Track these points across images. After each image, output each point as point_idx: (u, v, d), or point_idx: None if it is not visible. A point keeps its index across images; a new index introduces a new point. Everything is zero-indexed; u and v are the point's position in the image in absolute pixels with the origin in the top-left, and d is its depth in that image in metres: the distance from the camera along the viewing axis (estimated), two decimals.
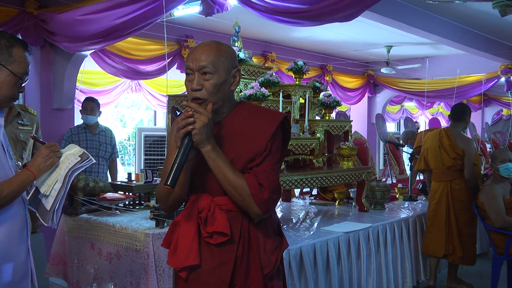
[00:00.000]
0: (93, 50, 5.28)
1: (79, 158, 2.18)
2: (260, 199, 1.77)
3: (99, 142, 5.13)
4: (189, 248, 1.82)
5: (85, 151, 2.23)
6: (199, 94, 1.80)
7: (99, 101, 5.37)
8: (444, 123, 14.14)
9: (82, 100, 5.73)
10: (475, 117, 9.22)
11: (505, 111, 13.96)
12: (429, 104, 12.25)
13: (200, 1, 4.10)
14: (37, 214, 2.15)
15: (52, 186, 2.09)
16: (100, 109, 5.26)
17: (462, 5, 5.76)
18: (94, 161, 2.30)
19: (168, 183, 1.68)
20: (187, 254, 1.82)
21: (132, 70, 5.94)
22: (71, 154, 2.20)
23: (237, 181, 1.76)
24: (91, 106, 5.11)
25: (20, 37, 4.92)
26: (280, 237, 1.98)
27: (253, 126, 1.84)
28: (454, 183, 4.58)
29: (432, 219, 4.56)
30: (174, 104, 3.91)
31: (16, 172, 2.03)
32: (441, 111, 14.15)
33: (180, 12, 4.68)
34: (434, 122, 10.64)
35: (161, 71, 6.18)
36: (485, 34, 7.34)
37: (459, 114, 4.68)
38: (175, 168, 1.69)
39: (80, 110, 5.22)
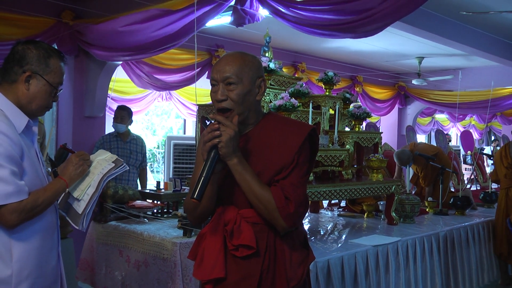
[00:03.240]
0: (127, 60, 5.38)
1: (113, 165, 2.20)
2: (286, 212, 1.75)
3: (129, 150, 5.19)
4: (215, 261, 1.82)
5: (118, 157, 2.26)
6: (224, 104, 1.80)
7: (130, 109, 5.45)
8: (476, 136, 13.86)
9: (113, 108, 5.83)
10: (509, 131, 9.00)
11: None
12: (461, 116, 12.04)
13: (231, 12, 4.13)
14: (67, 218, 2.19)
15: (85, 191, 2.12)
16: (132, 118, 5.33)
17: (498, 16, 5.65)
18: (128, 167, 2.32)
19: (195, 196, 1.68)
20: (213, 266, 1.82)
21: (161, 82, 6.02)
22: (103, 159, 2.22)
23: (263, 194, 1.76)
24: (121, 114, 5.18)
25: (56, 47, 5.06)
26: (306, 250, 1.95)
27: (280, 139, 1.83)
28: (510, 191, 5.24)
29: (497, 223, 5.10)
30: (204, 113, 3.93)
31: (48, 179, 2.07)
32: (473, 124, 13.88)
33: (212, 22, 4.71)
34: (466, 134, 10.44)
35: (191, 80, 6.25)
36: None
37: None
38: (201, 181, 1.69)
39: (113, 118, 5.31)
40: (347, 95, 4.43)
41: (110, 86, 5.70)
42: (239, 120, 1.81)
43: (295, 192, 1.77)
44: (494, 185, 6.46)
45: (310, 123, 3.80)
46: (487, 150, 12.59)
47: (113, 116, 5.32)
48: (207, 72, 6.48)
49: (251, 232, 1.80)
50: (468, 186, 8.03)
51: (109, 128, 5.81)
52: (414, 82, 8.91)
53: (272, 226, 1.81)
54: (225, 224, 1.83)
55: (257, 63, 1.88)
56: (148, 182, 5.65)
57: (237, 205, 1.85)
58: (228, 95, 1.80)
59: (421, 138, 12.84)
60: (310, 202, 4.71)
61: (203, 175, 1.70)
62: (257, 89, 1.86)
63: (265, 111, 1.99)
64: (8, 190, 1.82)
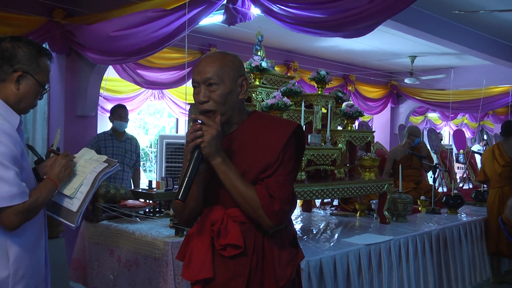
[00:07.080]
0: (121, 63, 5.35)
1: (106, 164, 2.19)
2: (270, 210, 1.74)
3: (124, 150, 5.18)
4: (202, 261, 1.81)
5: (108, 158, 2.24)
6: (206, 106, 1.80)
7: None
8: (468, 134, 13.92)
9: (105, 107, 5.79)
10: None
11: None
12: (453, 115, 12.08)
13: (223, 10, 4.11)
14: (55, 217, 2.16)
15: (78, 189, 2.11)
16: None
17: (489, 15, 5.67)
18: (120, 167, 2.32)
19: (179, 197, 1.68)
20: (200, 267, 1.81)
21: (152, 82, 6.00)
22: (93, 159, 2.21)
23: (248, 193, 1.75)
24: (125, 113, 5.20)
25: (47, 45, 5.03)
26: (295, 249, 1.95)
27: (265, 137, 1.82)
28: (504, 189, 5.27)
29: (492, 222, 5.14)
30: (195, 112, 3.91)
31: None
32: (466, 122, 13.93)
33: (204, 21, 4.70)
34: (458, 133, 10.46)
35: (183, 79, 6.22)
36: None
37: (507, 130, 5.48)
38: (185, 182, 1.69)
39: (109, 117, 5.26)
40: (340, 94, 4.44)
41: (102, 85, 5.67)
42: (223, 120, 1.80)
43: (280, 190, 1.76)
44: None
45: (302, 122, 3.80)
46: (474, 147, 12.62)
47: (109, 115, 5.27)
48: None
49: (238, 232, 1.79)
50: (461, 184, 8.07)
51: (101, 127, 5.78)
52: (406, 81, 8.93)
53: (260, 224, 1.80)
54: (212, 224, 1.83)
55: (237, 62, 1.87)
56: (141, 182, 5.63)
57: (224, 204, 1.84)
58: (210, 96, 1.79)
59: None
60: (303, 201, 4.72)
61: (187, 176, 1.70)
62: (239, 88, 1.85)
63: (257, 110, 1.98)
64: (13, 191, 1.81)
